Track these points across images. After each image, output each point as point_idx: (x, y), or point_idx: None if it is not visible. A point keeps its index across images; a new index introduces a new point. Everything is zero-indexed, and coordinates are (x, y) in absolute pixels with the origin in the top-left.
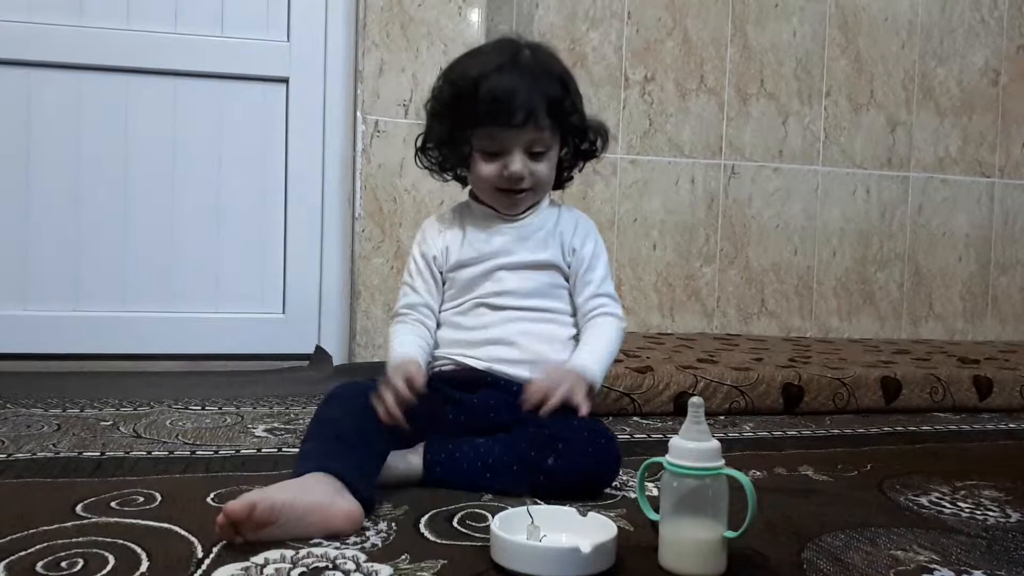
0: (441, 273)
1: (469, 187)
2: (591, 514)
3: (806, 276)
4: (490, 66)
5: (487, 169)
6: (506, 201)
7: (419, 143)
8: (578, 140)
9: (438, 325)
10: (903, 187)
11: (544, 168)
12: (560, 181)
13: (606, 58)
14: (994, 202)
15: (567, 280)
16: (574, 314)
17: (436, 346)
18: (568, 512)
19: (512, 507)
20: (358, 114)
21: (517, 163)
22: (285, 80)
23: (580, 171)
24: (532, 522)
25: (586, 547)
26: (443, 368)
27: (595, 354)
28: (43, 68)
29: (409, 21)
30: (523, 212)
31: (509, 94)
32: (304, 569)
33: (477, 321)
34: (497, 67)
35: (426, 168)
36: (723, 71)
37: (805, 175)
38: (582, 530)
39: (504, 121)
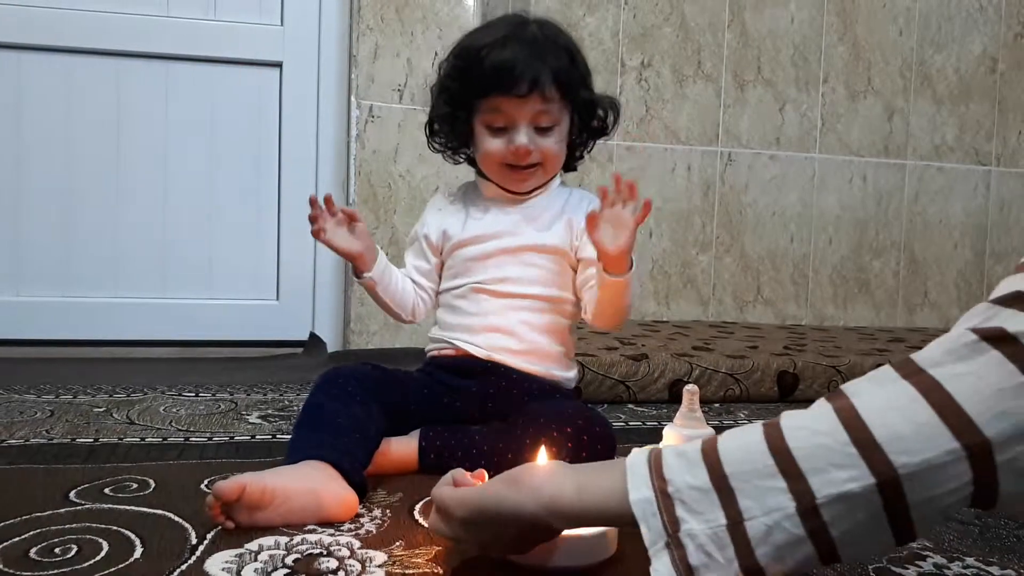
0: (441, 254)
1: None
2: None
3: (802, 264)
4: (495, 37)
5: (492, 144)
6: (514, 178)
7: (427, 127)
8: (587, 116)
9: (437, 307)
10: (899, 175)
11: (552, 143)
12: (571, 161)
13: (603, 43)
14: (990, 190)
15: (573, 268)
16: (577, 303)
17: (437, 325)
18: None
19: None
20: (352, 99)
21: (522, 136)
22: (279, 64)
23: (590, 151)
24: None
25: (588, 536)
26: (442, 352)
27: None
28: (34, 51)
29: (404, 5)
30: (532, 192)
31: (513, 63)
32: (298, 555)
33: (477, 307)
34: (502, 38)
35: (438, 151)
36: (720, 57)
37: (802, 162)
38: None
39: (508, 91)
